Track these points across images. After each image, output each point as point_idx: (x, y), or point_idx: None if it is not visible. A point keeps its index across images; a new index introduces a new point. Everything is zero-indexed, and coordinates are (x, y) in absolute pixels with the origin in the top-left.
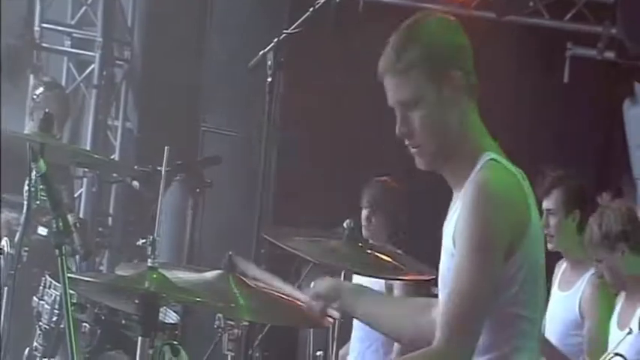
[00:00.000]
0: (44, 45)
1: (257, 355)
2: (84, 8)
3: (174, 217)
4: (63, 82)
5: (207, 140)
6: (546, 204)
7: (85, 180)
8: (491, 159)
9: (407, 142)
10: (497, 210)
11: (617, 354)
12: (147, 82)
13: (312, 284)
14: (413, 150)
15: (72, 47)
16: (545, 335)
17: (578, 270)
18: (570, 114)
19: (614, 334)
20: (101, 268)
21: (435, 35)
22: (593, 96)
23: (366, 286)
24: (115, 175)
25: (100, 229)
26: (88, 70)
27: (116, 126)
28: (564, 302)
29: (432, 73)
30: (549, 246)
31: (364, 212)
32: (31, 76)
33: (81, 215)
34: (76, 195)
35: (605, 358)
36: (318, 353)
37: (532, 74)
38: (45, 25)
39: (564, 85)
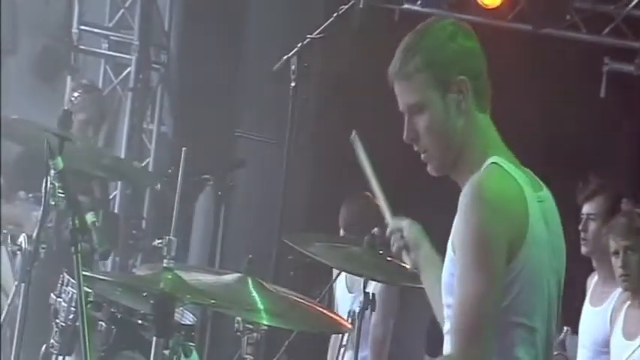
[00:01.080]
0: (82, 47)
1: None
2: (121, 11)
3: (206, 221)
4: (100, 85)
5: (240, 145)
6: (587, 209)
7: (119, 182)
8: (493, 162)
9: (415, 148)
10: (490, 212)
11: None
12: (182, 86)
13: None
14: (422, 156)
15: (109, 50)
16: (578, 350)
17: (609, 285)
18: (606, 129)
19: (619, 343)
20: (134, 270)
21: (440, 40)
22: (629, 111)
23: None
24: None
25: (134, 231)
26: (124, 73)
27: (151, 130)
28: (595, 318)
29: (436, 78)
30: (583, 249)
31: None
32: (69, 78)
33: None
34: (110, 197)
35: None
36: None
37: (569, 88)
38: (83, 28)
39: (601, 100)
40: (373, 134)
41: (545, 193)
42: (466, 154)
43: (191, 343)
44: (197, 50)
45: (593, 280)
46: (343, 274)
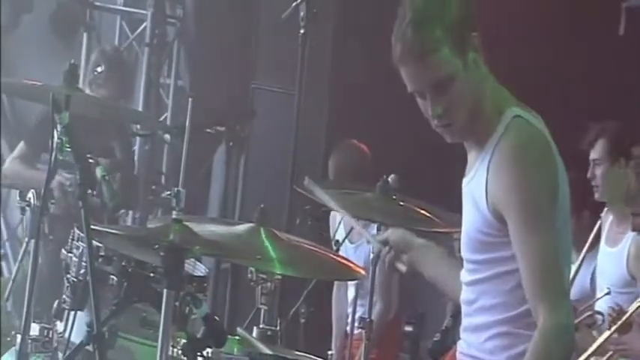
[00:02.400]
0: (97, 4)
1: (302, 310)
2: None
3: (223, 173)
4: (115, 41)
5: (257, 97)
6: (592, 155)
7: (137, 138)
8: (516, 116)
9: (437, 123)
10: (538, 168)
11: None
12: (199, 40)
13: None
14: (442, 128)
15: (124, 6)
16: (597, 292)
17: (624, 225)
18: (626, 66)
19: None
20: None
21: (449, 6)
22: None
23: (434, 246)
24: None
25: (153, 187)
26: (140, 29)
27: (168, 84)
28: (612, 259)
29: (457, 45)
30: (595, 195)
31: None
32: (85, 35)
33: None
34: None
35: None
36: None
37: (587, 26)
38: None
39: (620, 38)
40: (390, 82)
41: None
42: (484, 107)
43: (202, 295)
44: (212, 3)
45: (608, 221)
46: (342, 224)
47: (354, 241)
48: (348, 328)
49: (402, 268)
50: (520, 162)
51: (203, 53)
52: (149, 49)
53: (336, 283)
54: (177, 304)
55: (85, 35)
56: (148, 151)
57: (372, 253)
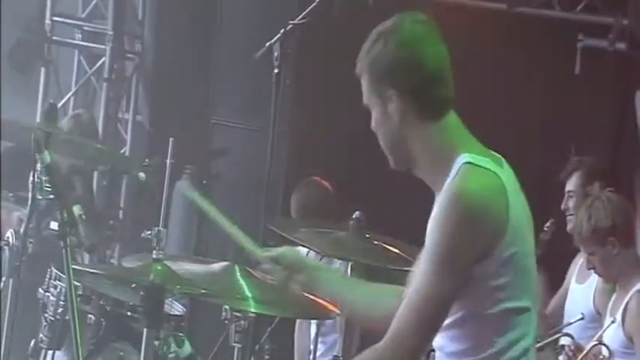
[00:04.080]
0: (55, 38)
1: (266, 347)
2: (94, 1)
3: (183, 209)
4: (73, 76)
5: (217, 133)
6: (567, 187)
7: (95, 173)
8: (466, 162)
9: None
10: (468, 224)
11: (601, 343)
12: (157, 75)
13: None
14: None
15: (83, 40)
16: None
17: None
18: (582, 105)
19: (606, 322)
20: (112, 261)
21: (384, 49)
22: (604, 87)
23: (328, 266)
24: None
25: (111, 222)
26: (98, 64)
27: (127, 119)
28: (580, 294)
29: (373, 87)
30: (568, 226)
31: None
32: (43, 70)
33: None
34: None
35: (590, 346)
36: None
37: (544, 65)
38: (56, 19)
39: (576, 77)
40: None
41: (507, 166)
42: (424, 158)
43: (180, 334)
44: (171, 38)
45: (578, 262)
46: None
47: None
48: None
49: (296, 287)
50: (449, 210)
51: (162, 88)
52: (107, 84)
53: (298, 320)
54: (156, 343)
55: (43, 70)
56: (105, 186)
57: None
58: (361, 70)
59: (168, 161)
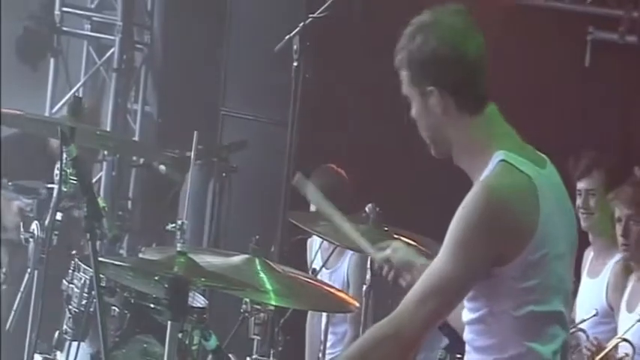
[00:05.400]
0: (64, 29)
1: (280, 338)
2: None
3: (195, 201)
4: (82, 66)
5: (226, 124)
6: (586, 184)
7: (104, 164)
8: (501, 160)
9: None
10: (489, 219)
11: (624, 339)
12: (166, 65)
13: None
14: None
15: (92, 31)
16: (576, 321)
17: (603, 257)
18: (591, 98)
19: (623, 317)
20: (121, 252)
21: (424, 45)
22: (614, 80)
23: None
24: (135, 158)
25: (120, 212)
26: (107, 54)
27: (135, 110)
28: (592, 289)
29: (413, 81)
30: (583, 224)
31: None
32: (52, 60)
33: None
34: (95, 179)
35: (614, 343)
36: None
37: (553, 58)
38: (65, 9)
39: (585, 70)
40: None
41: (550, 168)
42: (464, 150)
43: (207, 327)
44: (180, 29)
45: (590, 255)
46: (320, 251)
47: (329, 266)
48: (321, 355)
49: (404, 283)
50: (475, 202)
51: (171, 79)
52: (117, 74)
53: (310, 311)
54: (180, 335)
55: (52, 60)
56: (114, 177)
57: (370, 270)
58: (400, 64)
59: (192, 154)
